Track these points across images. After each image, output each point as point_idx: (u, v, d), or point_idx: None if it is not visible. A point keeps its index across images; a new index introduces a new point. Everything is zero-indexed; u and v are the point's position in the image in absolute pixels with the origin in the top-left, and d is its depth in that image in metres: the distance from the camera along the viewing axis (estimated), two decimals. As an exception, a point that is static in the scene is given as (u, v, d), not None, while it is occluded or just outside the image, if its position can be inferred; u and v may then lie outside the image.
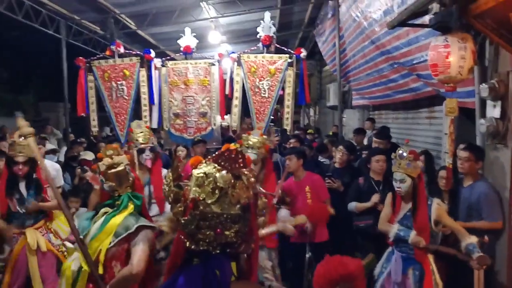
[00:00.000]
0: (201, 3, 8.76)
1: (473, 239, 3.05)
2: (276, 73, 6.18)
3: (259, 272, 3.50)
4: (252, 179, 1.53)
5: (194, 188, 1.46)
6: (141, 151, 4.23)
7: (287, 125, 6.25)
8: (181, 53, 6.63)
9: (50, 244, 3.88)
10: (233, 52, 6.44)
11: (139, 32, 10.42)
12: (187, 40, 6.49)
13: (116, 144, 3.50)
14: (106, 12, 9.02)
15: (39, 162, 2.94)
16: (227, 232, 1.46)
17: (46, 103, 15.67)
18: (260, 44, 6.25)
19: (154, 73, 6.45)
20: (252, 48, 6.49)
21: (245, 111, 6.63)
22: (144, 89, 6.38)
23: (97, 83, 6.48)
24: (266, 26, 6.21)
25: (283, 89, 6.28)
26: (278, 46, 6.37)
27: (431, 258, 3.28)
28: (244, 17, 9.62)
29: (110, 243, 2.42)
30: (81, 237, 2.50)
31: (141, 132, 4.32)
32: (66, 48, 9.69)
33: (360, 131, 7.39)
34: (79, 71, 6.44)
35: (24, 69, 17.92)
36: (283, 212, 4.07)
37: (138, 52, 6.59)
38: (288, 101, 6.27)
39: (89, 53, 10.80)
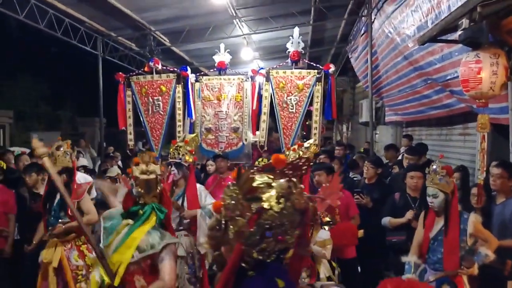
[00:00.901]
0: (234, 20, 8.94)
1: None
2: (304, 89, 6.23)
3: None
4: (301, 185, 1.56)
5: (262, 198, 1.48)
6: (168, 165, 4.32)
7: (315, 140, 6.23)
8: (215, 69, 6.74)
9: (68, 262, 3.85)
10: (262, 68, 6.54)
11: (174, 48, 10.70)
12: (222, 56, 6.63)
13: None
14: (141, 29, 9.32)
15: (54, 179, 2.94)
16: (288, 238, 1.49)
17: (83, 118, 16.23)
18: (289, 60, 6.31)
19: (191, 89, 6.59)
20: (281, 64, 6.57)
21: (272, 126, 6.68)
22: (179, 105, 6.51)
23: (135, 98, 6.66)
24: (295, 41, 6.29)
25: (311, 104, 6.29)
26: (307, 61, 6.47)
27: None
28: (276, 33, 9.73)
29: (133, 257, 2.44)
30: (102, 246, 2.54)
31: (179, 147, 4.41)
32: (103, 64, 10.04)
33: (391, 147, 7.26)
34: (118, 85, 6.62)
35: (63, 84, 18.65)
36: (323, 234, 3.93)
37: (175, 69, 6.74)
38: (316, 117, 6.29)
39: (124, 69, 11.17)
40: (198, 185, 4.39)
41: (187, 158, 4.22)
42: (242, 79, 6.58)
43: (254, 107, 6.47)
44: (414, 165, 4.99)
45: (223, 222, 1.52)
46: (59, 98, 18.50)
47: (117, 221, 2.62)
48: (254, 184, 1.48)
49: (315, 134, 6.28)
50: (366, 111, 10.68)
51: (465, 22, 3.29)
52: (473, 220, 3.23)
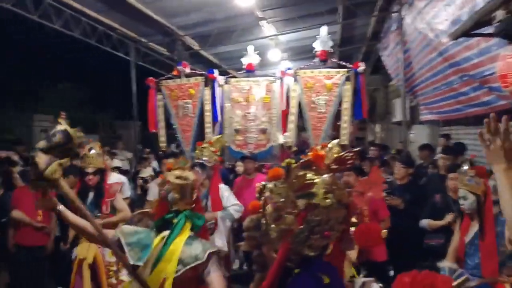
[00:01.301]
0: (260, 22, 8.90)
1: None
2: (333, 88, 6.08)
3: None
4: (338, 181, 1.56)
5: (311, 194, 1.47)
6: (192, 166, 4.32)
7: (344, 140, 6.09)
8: (244, 71, 6.74)
9: (103, 259, 3.95)
10: (289, 68, 6.43)
11: (202, 52, 10.79)
12: (250, 58, 6.64)
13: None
14: (171, 35, 9.46)
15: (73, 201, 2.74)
16: (333, 233, 1.49)
17: (120, 122, 16.68)
18: (317, 59, 6.21)
19: (218, 91, 6.61)
20: (309, 64, 6.45)
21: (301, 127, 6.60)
22: (207, 107, 6.54)
23: (166, 101, 6.76)
24: (323, 40, 6.18)
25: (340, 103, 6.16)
26: (335, 60, 6.32)
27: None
28: (304, 33, 9.61)
29: (177, 271, 2.29)
30: (142, 264, 2.34)
31: (203, 148, 4.45)
32: (136, 69, 10.25)
33: (425, 147, 6.99)
34: (149, 90, 6.74)
35: (101, 90, 19.26)
36: None
37: (203, 72, 6.78)
38: (345, 116, 6.10)
39: (156, 74, 11.36)
40: (221, 185, 4.39)
41: (211, 158, 4.22)
42: (271, 80, 6.54)
43: (284, 108, 6.40)
44: (453, 165, 4.79)
45: (264, 221, 1.50)
46: (97, 103, 19.11)
47: (145, 235, 2.45)
48: (305, 181, 1.47)
49: (344, 134, 6.11)
50: (400, 110, 10.38)
51: (500, 14, 3.11)
52: None
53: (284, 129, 6.42)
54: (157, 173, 6.71)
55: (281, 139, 6.62)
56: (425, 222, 4.28)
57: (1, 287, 5.00)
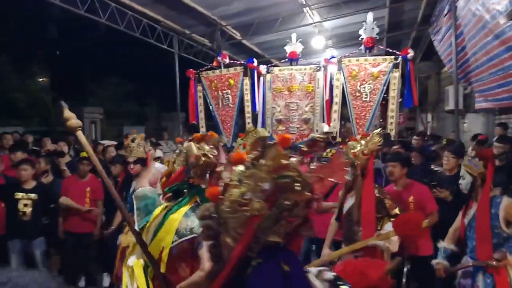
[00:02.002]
0: (304, 9, 8.69)
1: None
2: (379, 76, 5.90)
3: None
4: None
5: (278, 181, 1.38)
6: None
7: (391, 130, 5.86)
8: (287, 60, 6.66)
9: None
10: (333, 57, 6.31)
11: (244, 42, 10.72)
12: (293, 46, 6.55)
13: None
14: (213, 25, 9.45)
15: (89, 154, 2.64)
16: (297, 219, 1.41)
17: (165, 113, 17.04)
18: (362, 47, 6.04)
19: (258, 81, 6.55)
20: (354, 52, 6.30)
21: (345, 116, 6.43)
22: (247, 97, 6.52)
23: (205, 92, 6.82)
24: (369, 27, 6.00)
25: (387, 92, 5.93)
26: (382, 47, 6.17)
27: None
28: (349, 19, 9.30)
29: (173, 242, 2.32)
30: (138, 229, 2.42)
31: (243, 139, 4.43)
32: (180, 60, 10.36)
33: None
34: (189, 81, 6.80)
35: (146, 82, 19.79)
36: (388, 226, 3.54)
37: (242, 62, 6.74)
38: (393, 105, 5.93)
39: (199, 65, 11.46)
40: None
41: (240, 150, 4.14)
42: (314, 69, 6.44)
43: (326, 97, 6.29)
44: (502, 154, 4.48)
45: (225, 209, 1.38)
46: (143, 95, 19.64)
47: (151, 201, 2.53)
48: (283, 162, 1.37)
49: (391, 123, 5.95)
50: (453, 98, 9.85)
51: None
52: (506, 203, 2.97)
53: (328, 119, 6.31)
54: None
55: (325, 128, 6.49)
56: None
57: (53, 271, 5.23)
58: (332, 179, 2.78)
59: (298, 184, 1.36)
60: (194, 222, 2.32)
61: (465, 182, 3.16)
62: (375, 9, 8.71)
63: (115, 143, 7.77)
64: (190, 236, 2.30)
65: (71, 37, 18.71)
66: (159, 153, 7.27)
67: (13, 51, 15.99)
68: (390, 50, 6.07)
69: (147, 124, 17.12)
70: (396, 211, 3.40)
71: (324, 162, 4.43)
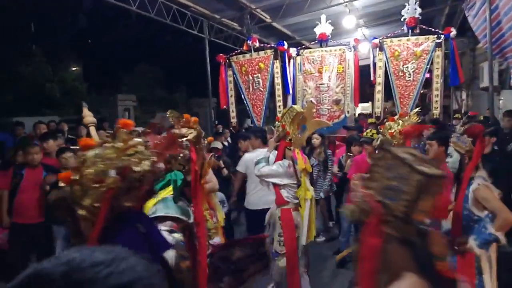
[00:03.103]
0: (334, -12, 8.54)
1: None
2: (422, 55, 5.95)
3: None
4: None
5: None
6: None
7: (436, 108, 5.90)
8: (316, 41, 6.65)
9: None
10: (375, 38, 6.30)
11: (274, 24, 10.63)
12: (323, 27, 6.54)
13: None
14: (243, 9, 9.42)
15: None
16: (146, 186, 1.60)
17: (196, 99, 17.19)
18: (404, 27, 6.08)
19: (288, 64, 6.53)
20: (396, 32, 6.33)
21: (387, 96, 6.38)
22: (278, 80, 6.52)
23: (236, 77, 6.86)
24: (412, 8, 6.01)
25: (429, 71, 5.95)
26: (423, 27, 6.09)
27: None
28: (380, -3, 9.10)
29: None
30: None
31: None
32: (209, 46, 10.40)
33: (510, 113, 6.35)
34: (220, 67, 6.84)
35: (176, 68, 19.99)
36: None
37: (272, 45, 6.74)
38: (437, 84, 5.97)
39: (230, 50, 11.47)
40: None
41: (280, 133, 4.10)
42: (344, 49, 6.41)
43: (372, 78, 6.38)
44: None
45: (79, 188, 1.53)
46: (173, 82, 19.88)
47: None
48: (130, 142, 1.59)
49: (436, 101, 6.00)
50: (488, 75, 9.52)
51: None
52: (475, 186, 2.83)
53: (357, 99, 6.35)
54: (227, 147, 6.83)
55: (356, 109, 6.47)
56: None
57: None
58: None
59: (142, 158, 1.58)
60: (159, 206, 2.27)
61: (452, 160, 3.07)
62: (408, -15, 8.49)
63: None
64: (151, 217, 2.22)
65: (102, 26, 19.04)
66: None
67: (45, 42, 16.43)
68: (433, 30, 6.10)
69: (178, 110, 17.35)
70: None
71: (365, 142, 4.43)
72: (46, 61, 15.34)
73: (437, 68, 5.95)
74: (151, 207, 2.26)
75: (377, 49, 6.18)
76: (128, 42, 18.88)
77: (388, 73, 6.14)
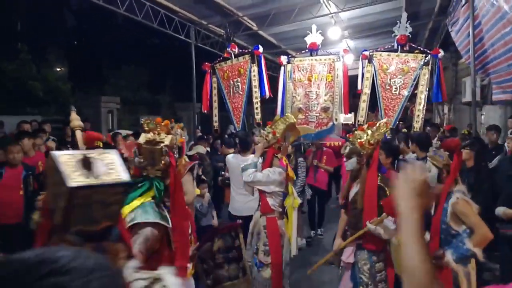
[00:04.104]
0: (320, 0, 8.65)
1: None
2: (409, 72, 6.22)
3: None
4: None
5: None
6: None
7: (417, 122, 6.15)
8: (307, 51, 6.82)
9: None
10: (365, 50, 6.54)
11: (261, 33, 10.72)
12: (314, 37, 6.76)
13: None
14: (230, 16, 9.48)
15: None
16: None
17: (180, 103, 17.12)
18: (394, 43, 6.36)
19: (265, 67, 6.78)
20: (386, 46, 6.59)
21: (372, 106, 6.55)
22: (255, 83, 6.66)
23: (219, 83, 6.97)
24: (403, 26, 6.29)
25: (415, 86, 6.22)
26: (412, 44, 6.50)
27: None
28: (367, 9, 9.24)
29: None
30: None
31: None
32: (196, 51, 10.43)
33: (493, 128, 6.55)
34: (205, 75, 6.95)
35: (161, 71, 19.88)
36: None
37: (249, 50, 6.87)
38: (420, 99, 6.21)
39: (215, 55, 11.50)
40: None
41: (269, 138, 4.11)
42: (334, 59, 6.59)
43: (359, 87, 6.58)
44: None
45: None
46: (158, 85, 19.77)
47: None
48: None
49: (418, 115, 6.23)
50: (470, 90, 9.75)
51: None
52: (454, 200, 2.91)
53: (347, 108, 6.56)
54: (209, 152, 6.91)
55: (342, 118, 6.61)
56: (500, 210, 4.03)
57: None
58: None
59: None
60: (137, 213, 2.21)
61: (431, 175, 3.04)
62: (392, 0, 8.67)
63: (130, 132, 7.97)
64: (128, 225, 2.14)
65: (89, 27, 18.87)
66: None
67: (31, 40, 16.19)
68: (422, 48, 6.49)
69: (162, 113, 17.26)
70: None
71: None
72: (31, 59, 15.13)
73: (422, 85, 6.19)
74: (128, 214, 2.19)
75: (366, 60, 6.40)
76: (114, 43, 18.74)
77: (375, 84, 6.35)
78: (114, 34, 18.50)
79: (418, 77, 6.17)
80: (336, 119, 6.50)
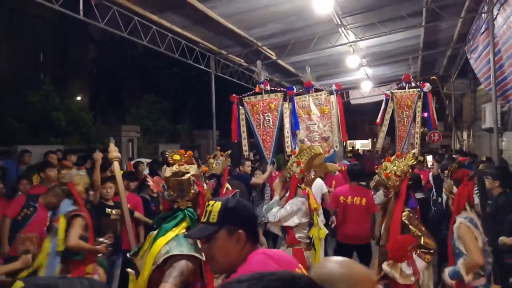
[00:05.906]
0: (339, 29, 8.79)
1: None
2: (411, 105, 7.21)
3: None
4: None
5: None
6: None
7: (415, 148, 7.36)
8: (304, 89, 7.41)
9: None
10: (388, 90, 7.64)
11: (279, 61, 10.90)
12: (308, 76, 7.44)
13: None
14: (250, 46, 9.69)
15: (118, 184, 3.24)
16: None
17: (199, 131, 17.31)
18: (403, 83, 7.41)
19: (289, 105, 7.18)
20: (400, 85, 7.64)
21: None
22: (287, 119, 7.06)
23: (247, 115, 7.28)
24: (408, 68, 7.43)
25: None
26: (412, 81, 7.41)
27: None
28: (384, 38, 9.36)
29: (154, 264, 2.17)
30: (130, 256, 2.40)
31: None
32: (215, 80, 10.64)
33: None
34: (232, 105, 7.23)
35: (181, 100, 20.22)
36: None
37: (282, 89, 7.24)
38: (417, 128, 7.43)
39: (234, 84, 11.70)
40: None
41: (293, 168, 4.13)
42: (328, 93, 7.19)
43: (378, 120, 7.51)
44: None
45: None
46: (178, 113, 20.07)
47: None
48: None
49: (416, 143, 7.49)
50: (490, 116, 9.68)
51: None
52: (457, 224, 3.14)
53: (345, 135, 7.21)
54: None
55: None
56: (504, 240, 4.07)
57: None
58: None
59: None
60: (172, 245, 2.20)
61: (444, 202, 3.38)
62: (411, 28, 8.77)
63: (149, 160, 8.39)
64: (159, 262, 2.15)
65: (110, 57, 19.41)
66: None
67: (53, 71, 16.71)
68: (414, 84, 7.37)
69: (181, 141, 17.45)
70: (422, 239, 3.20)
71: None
72: (54, 90, 15.57)
73: (418, 116, 7.27)
74: (163, 246, 2.20)
75: (389, 98, 7.26)
76: (135, 72, 19.23)
77: (393, 118, 7.23)
78: (134, 64, 18.98)
79: (415, 109, 7.20)
80: (337, 146, 7.02)
